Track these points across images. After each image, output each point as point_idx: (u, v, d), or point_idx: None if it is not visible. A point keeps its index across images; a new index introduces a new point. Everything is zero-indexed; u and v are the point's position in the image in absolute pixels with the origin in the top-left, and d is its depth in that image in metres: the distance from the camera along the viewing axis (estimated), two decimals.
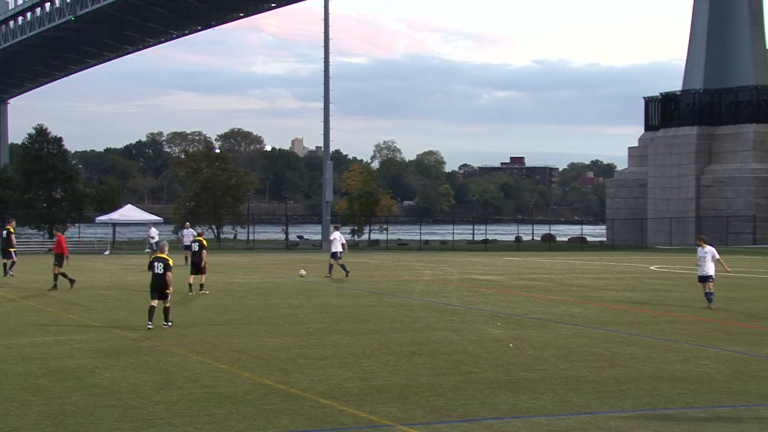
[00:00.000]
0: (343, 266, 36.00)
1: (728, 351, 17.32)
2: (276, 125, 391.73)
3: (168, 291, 19.99)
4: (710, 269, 25.18)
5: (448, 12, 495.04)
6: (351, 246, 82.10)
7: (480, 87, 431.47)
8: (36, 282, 33.65)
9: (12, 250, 36.98)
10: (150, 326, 19.54)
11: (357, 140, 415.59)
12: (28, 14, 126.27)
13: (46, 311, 23.63)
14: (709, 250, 25.40)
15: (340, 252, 36.19)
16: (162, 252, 20.25)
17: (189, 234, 48.35)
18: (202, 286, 28.79)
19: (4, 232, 37.56)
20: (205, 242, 29.84)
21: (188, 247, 46.59)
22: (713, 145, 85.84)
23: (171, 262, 20.06)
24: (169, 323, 19.98)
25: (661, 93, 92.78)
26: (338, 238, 36.82)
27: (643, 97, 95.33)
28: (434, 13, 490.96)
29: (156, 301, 19.91)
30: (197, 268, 28.84)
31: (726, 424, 11.49)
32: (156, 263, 19.95)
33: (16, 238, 38.65)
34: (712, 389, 13.54)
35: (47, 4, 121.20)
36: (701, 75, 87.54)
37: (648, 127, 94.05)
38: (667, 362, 15.85)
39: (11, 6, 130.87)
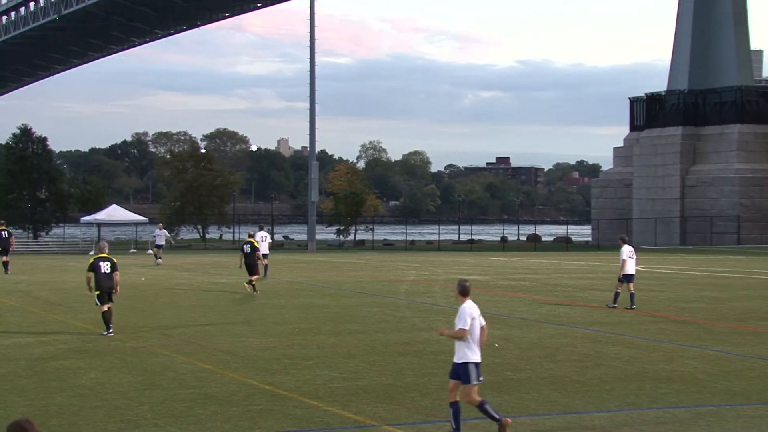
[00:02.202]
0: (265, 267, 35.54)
1: (712, 351, 17.39)
2: (261, 125, 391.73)
3: (115, 292, 19.18)
4: (633, 268, 25.24)
5: (432, 12, 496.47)
6: (336, 246, 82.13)
7: (464, 87, 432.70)
8: (20, 282, 33.48)
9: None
10: (110, 332, 18.70)
11: (343, 140, 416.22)
12: (12, 13, 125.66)
13: (31, 312, 23.53)
14: (632, 249, 25.49)
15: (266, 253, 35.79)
16: (103, 252, 19.39)
17: (161, 235, 48.73)
18: (254, 286, 28.82)
19: (5, 232, 38.34)
20: (256, 244, 30.34)
21: (160, 247, 47.32)
22: (698, 146, 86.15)
23: (116, 261, 19.29)
24: (111, 332, 18.70)
25: (646, 93, 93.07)
26: (265, 238, 36.48)
27: (628, 98, 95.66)
28: (418, 13, 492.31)
29: (108, 305, 18.93)
30: (252, 270, 29.19)
31: (710, 423, 11.53)
32: (101, 263, 19.02)
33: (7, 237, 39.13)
34: (696, 389, 13.59)
35: (32, 4, 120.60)
36: (686, 75, 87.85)
37: (633, 127, 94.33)
38: (652, 362, 15.90)
39: None
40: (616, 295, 25.09)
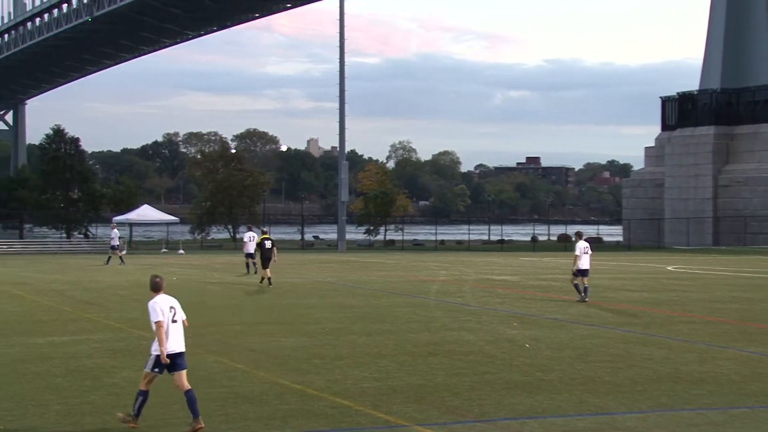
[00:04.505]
0: (254, 264, 37.48)
1: (746, 352, 17.23)
2: (289, 125, 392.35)
3: None
4: (588, 263, 26.44)
5: (460, 11, 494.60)
6: (366, 246, 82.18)
7: (493, 87, 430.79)
8: (54, 282, 33.81)
9: None
10: None
11: (372, 140, 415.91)
12: (46, 15, 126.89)
13: (64, 311, 23.73)
14: (586, 245, 26.72)
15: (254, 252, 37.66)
16: None
17: (116, 235, 49.09)
18: (270, 280, 31.42)
19: None
20: (273, 240, 33.83)
21: (115, 248, 47.63)
22: (731, 145, 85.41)
23: None
24: None
25: (678, 93, 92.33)
26: (253, 238, 38.36)
27: (660, 97, 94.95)
28: (446, 13, 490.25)
29: None
30: (268, 263, 31.98)
31: (744, 425, 11.43)
32: None
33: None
34: (729, 390, 13.47)
35: (65, 6, 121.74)
36: (718, 74, 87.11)
37: (665, 126, 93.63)
38: (684, 363, 15.78)
39: (29, 7, 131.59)
40: (577, 287, 26.55)
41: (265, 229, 35.82)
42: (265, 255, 32.40)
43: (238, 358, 15.91)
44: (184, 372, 11.17)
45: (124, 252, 48.37)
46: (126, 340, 18.15)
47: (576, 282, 26.62)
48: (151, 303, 11.14)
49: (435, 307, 24.88)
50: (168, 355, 11.02)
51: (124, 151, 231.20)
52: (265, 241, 32.91)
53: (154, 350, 11.12)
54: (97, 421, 11.21)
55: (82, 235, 78.35)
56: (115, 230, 50.06)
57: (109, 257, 47.00)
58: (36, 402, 12.27)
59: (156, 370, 11.08)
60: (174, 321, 11.20)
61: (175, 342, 11.18)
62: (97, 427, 11.01)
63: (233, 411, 11.80)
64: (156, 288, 11.28)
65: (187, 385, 11.09)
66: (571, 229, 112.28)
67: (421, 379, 14.09)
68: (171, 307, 11.20)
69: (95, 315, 22.70)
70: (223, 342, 17.98)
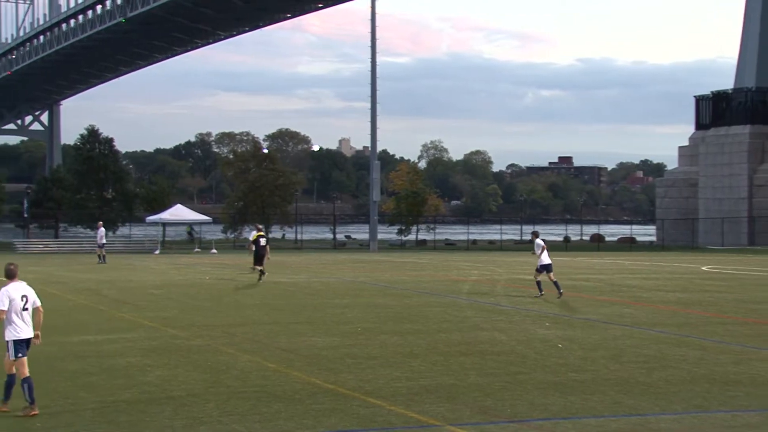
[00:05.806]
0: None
1: None
2: (320, 125, 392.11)
3: None
4: (548, 259, 27.18)
5: (491, 10, 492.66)
6: (398, 246, 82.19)
7: (524, 86, 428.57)
8: (88, 281, 34.09)
9: None
10: None
11: (404, 140, 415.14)
12: (80, 17, 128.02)
13: (99, 310, 23.93)
14: (543, 242, 27.65)
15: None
16: None
17: (102, 234, 49.65)
18: (261, 273, 32.89)
19: None
20: (267, 237, 35.36)
21: (102, 246, 48.42)
22: (766, 144, 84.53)
23: None
24: None
25: (712, 91, 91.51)
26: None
27: (694, 96, 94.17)
28: (477, 12, 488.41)
29: None
30: (262, 260, 33.31)
31: None
32: None
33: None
34: (766, 392, 13.34)
35: (99, 7, 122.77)
36: (753, 73, 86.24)
37: (699, 125, 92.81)
38: (719, 364, 15.65)
39: (64, 9, 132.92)
40: (539, 283, 27.25)
41: (259, 227, 37.03)
42: (259, 252, 33.53)
43: (270, 358, 15.97)
44: (25, 359, 11.60)
45: (158, 250, 48.85)
46: (159, 339, 18.28)
47: (538, 278, 27.30)
48: (2, 290, 11.56)
49: (467, 307, 24.84)
50: (13, 342, 11.49)
51: (157, 151, 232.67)
52: (260, 239, 34.06)
53: (8, 337, 11.53)
54: (131, 419, 11.30)
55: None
56: (102, 229, 50.74)
57: (99, 255, 48.01)
58: (71, 399, 12.39)
59: (20, 355, 11.53)
60: (25, 309, 11.65)
61: (25, 329, 11.62)
62: (131, 424, 11.09)
63: (266, 410, 11.85)
64: (10, 275, 11.75)
65: (26, 372, 11.50)
66: (604, 230, 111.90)
67: (454, 378, 14.08)
68: (23, 296, 11.66)
69: (129, 314, 22.86)
70: (256, 341, 18.05)
